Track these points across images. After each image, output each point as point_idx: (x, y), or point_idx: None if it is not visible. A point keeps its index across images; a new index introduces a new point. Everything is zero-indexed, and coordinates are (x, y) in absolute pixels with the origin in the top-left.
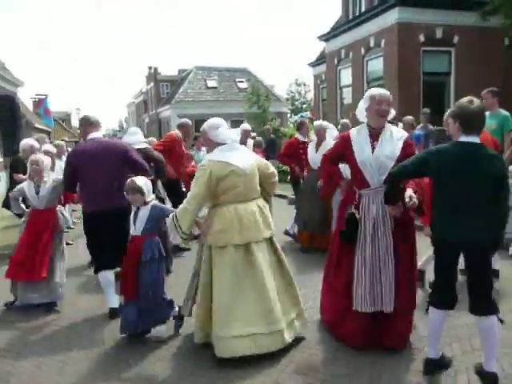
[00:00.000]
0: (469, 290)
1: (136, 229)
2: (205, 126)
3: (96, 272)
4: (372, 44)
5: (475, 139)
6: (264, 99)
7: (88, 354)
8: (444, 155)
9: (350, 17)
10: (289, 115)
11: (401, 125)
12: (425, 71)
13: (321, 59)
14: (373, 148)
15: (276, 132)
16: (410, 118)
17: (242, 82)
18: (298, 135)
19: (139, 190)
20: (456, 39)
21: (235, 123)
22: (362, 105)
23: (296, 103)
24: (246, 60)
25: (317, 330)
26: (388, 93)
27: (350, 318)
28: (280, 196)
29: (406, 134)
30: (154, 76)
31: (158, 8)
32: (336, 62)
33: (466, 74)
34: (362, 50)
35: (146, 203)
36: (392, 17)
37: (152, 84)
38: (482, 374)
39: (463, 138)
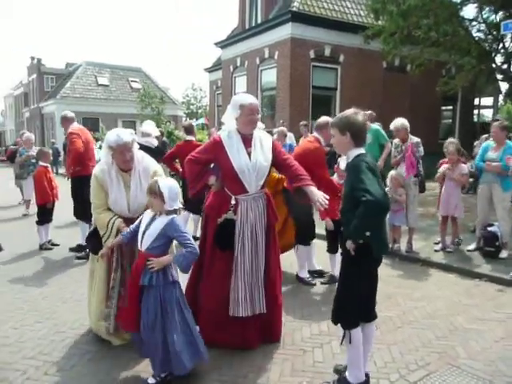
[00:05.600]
0: None
1: (142, 243)
2: None
3: None
4: (266, 55)
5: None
6: (159, 101)
7: None
8: (375, 169)
9: (247, 27)
10: (184, 119)
11: (275, 135)
12: (314, 85)
13: (217, 65)
14: (248, 154)
15: (170, 135)
16: (282, 128)
17: (135, 81)
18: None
19: (158, 194)
20: (342, 58)
21: (127, 124)
22: (231, 112)
23: (192, 107)
24: (140, 60)
25: None
26: (257, 101)
27: (228, 323)
28: None
29: (270, 137)
30: (37, 67)
31: None
32: (232, 69)
33: (350, 90)
34: (257, 60)
35: (167, 212)
36: (285, 31)
37: (35, 76)
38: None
39: (359, 151)
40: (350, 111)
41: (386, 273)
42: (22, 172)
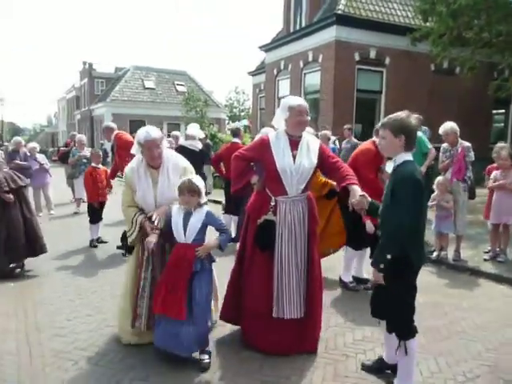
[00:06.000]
0: None
1: (186, 236)
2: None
3: None
4: (310, 58)
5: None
6: (203, 104)
7: None
8: (422, 185)
9: (291, 30)
10: (227, 122)
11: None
12: (358, 88)
13: (261, 69)
14: (293, 156)
15: (213, 138)
16: (326, 132)
17: (181, 85)
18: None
19: (197, 192)
20: (388, 60)
21: (172, 126)
22: (280, 114)
23: (234, 110)
24: (185, 63)
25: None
26: (305, 102)
27: (271, 327)
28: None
29: (319, 141)
30: (88, 72)
31: (97, 3)
32: (275, 72)
33: (396, 93)
34: (301, 63)
35: (200, 205)
36: (330, 34)
37: (86, 80)
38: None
39: (408, 157)
40: (403, 114)
41: (432, 281)
42: (73, 172)
